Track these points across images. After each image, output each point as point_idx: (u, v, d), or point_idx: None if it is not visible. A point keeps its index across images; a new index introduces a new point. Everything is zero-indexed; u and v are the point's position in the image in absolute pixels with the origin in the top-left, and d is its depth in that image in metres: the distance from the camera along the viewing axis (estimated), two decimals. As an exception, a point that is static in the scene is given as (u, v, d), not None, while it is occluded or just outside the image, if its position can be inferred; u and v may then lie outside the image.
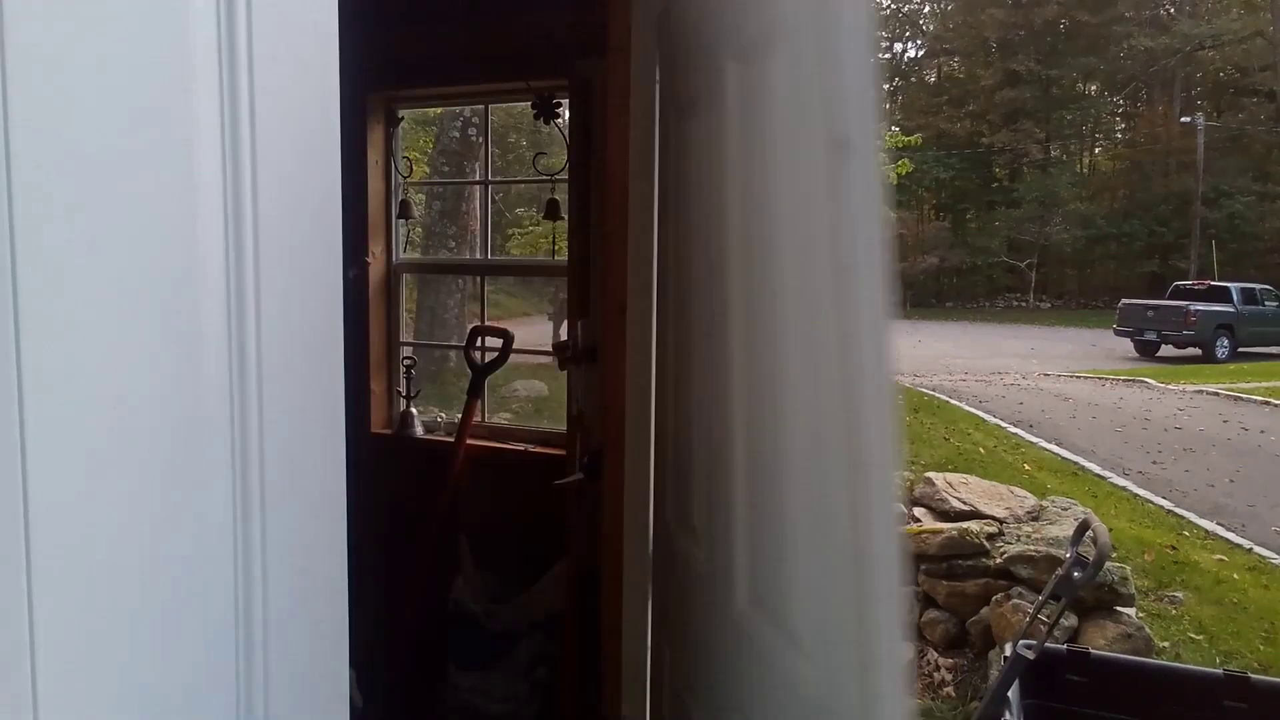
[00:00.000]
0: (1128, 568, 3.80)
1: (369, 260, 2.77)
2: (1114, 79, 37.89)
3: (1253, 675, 2.39)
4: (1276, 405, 10.29)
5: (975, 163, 35.02)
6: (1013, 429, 8.42)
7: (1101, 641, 3.42)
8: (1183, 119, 32.18)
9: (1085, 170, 39.12)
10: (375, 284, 2.82)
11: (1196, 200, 30.35)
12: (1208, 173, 31.20)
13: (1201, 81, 36.96)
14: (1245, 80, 35.45)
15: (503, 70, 2.74)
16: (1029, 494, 4.51)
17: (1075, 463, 7.13)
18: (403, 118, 2.89)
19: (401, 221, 2.91)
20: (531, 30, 2.60)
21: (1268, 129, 34.35)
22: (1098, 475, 6.77)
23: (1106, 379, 13.19)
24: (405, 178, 2.93)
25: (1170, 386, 11.93)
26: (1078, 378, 13.28)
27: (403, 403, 2.83)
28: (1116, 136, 40.17)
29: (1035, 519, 4.24)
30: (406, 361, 2.84)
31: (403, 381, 2.83)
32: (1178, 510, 5.89)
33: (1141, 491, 6.32)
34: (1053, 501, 4.50)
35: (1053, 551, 3.75)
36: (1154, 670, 2.53)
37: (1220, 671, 2.44)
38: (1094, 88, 38.83)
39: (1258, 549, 5.15)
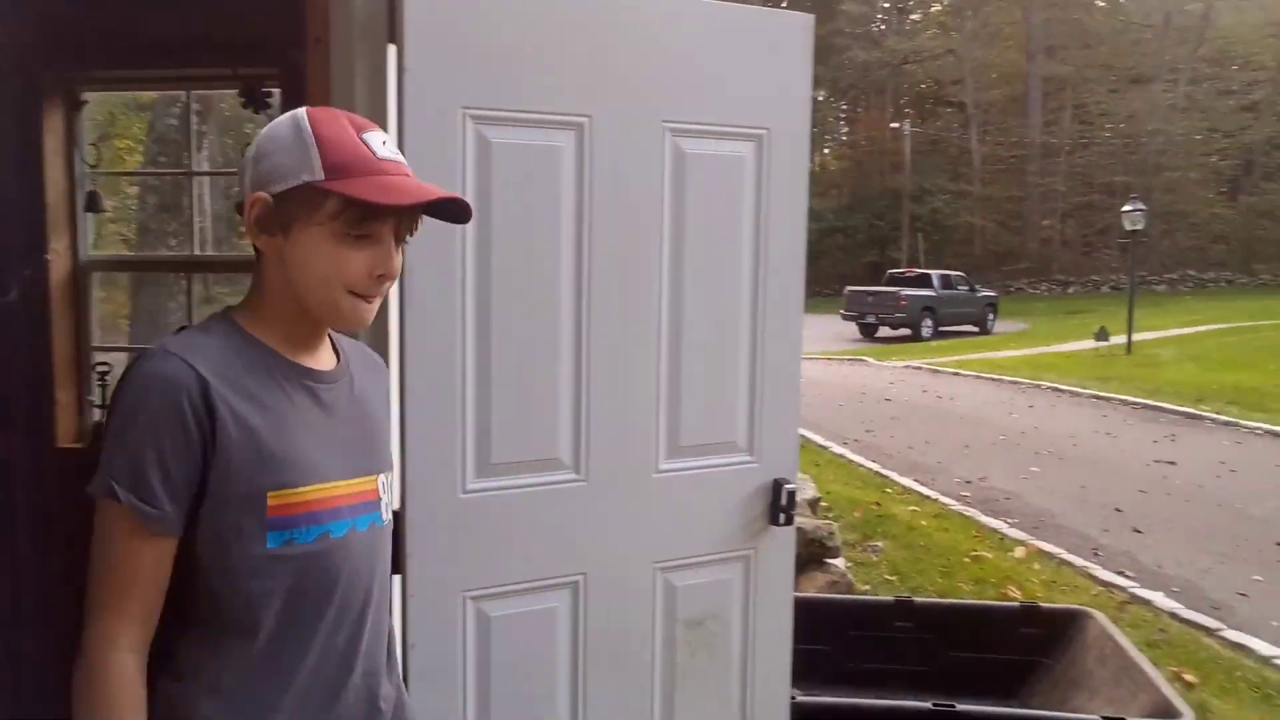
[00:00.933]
0: (835, 525, 4.28)
1: (49, 258, 2.51)
2: (838, 86, 41.71)
3: (915, 599, 2.82)
4: (964, 375, 11.95)
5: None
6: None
7: (812, 589, 3.83)
8: (892, 125, 36.17)
9: (816, 168, 42.83)
10: (59, 284, 2.55)
11: (905, 197, 34.28)
12: (914, 172, 35.34)
13: (908, 92, 41.61)
14: (941, 92, 40.44)
15: (207, 56, 2.59)
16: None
17: (804, 436, 7.85)
18: (87, 101, 2.65)
19: (91, 215, 2.66)
20: (238, 16, 2.48)
21: (959, 135, 39.41)
22: (821, 445, 7.51)
23: (834, 359, 14.61)
24: (93, 167, 2.68)
25: (884, 363, 13.46)
26: (810, 359, 14.57)
27: (97, 413, 2.59)
28: (841, 138, 44.33)
29: (760, 488, 4.64)
30: (101, 368, 2.61)
31: (96, 390, 2.60)
32: (884, 471, 6.69)
33: (856, 457, 7.11)
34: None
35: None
36: (840, 604, 2.91)
37: (891, 598, 2.85)
38: (822, 94, 42.49)
39: (943, 499, 5.98)
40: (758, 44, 1.95)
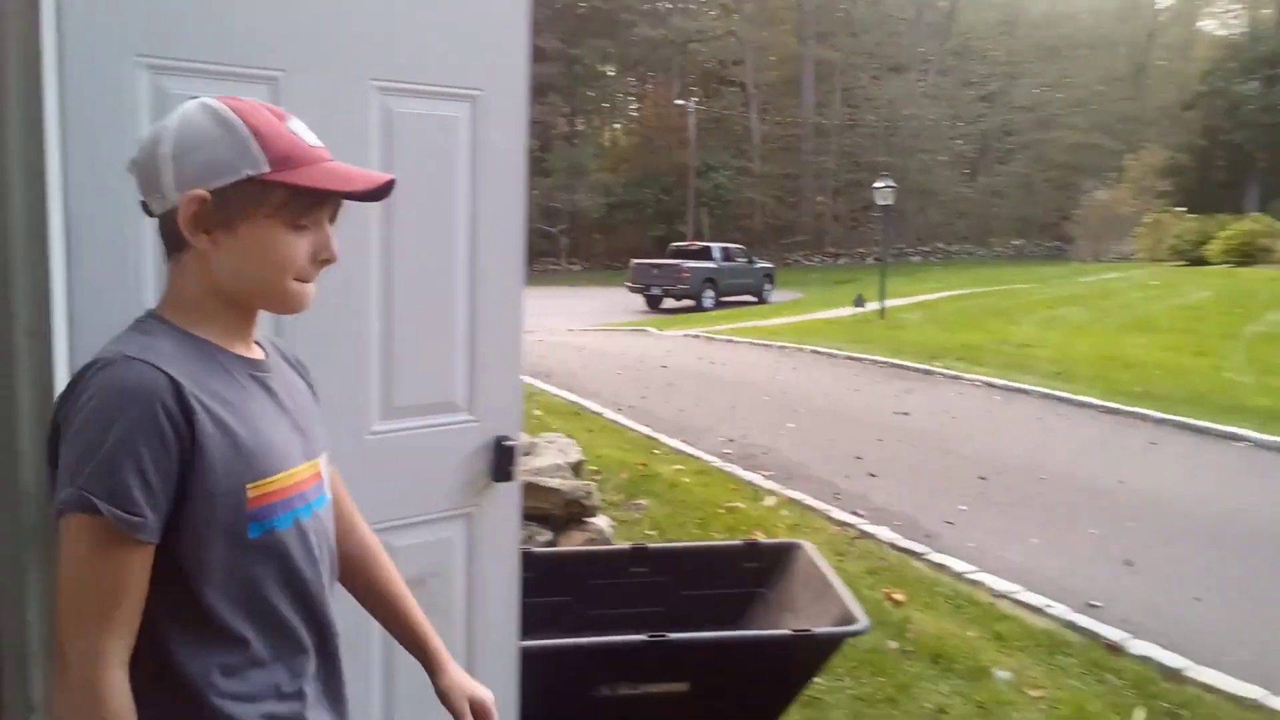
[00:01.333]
0: (593, 485, 4.44)
1: None
2: (626, 62, 42.36)
3: (649, 545, 3.01)
4: (737, 342, 12.68)
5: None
6: (531, 380, 9.22)
7: (572, 547, 3.96)
8: (678, 101, 37.31)
9: (607, 144, 43.40)
10: None
11: (691, 173, 35.54)
12: (700, 149, 36.66)
13: (694, 70, 42.98)
14: (724, 72, 42.15)
15: None
16: (522, 434, 5.00)
17: (580, 404, 8.06)
18: None
19: None
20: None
21: (741, 114, 41.30)
22: (596, 412, 7.74)
23: (618, 330, 15.01)
24: None
25: (665, 333, 14.01)
26: (595, 331, 14.90)
27: None
28: (631, 114, 45.15)
29: (525, 454, 4.73)
30: None
31: None
32: (654, 434, 6.99)
33: (629, 422, 7.38)
34: (544, 438, 5.05)
35: (534, 480, 4.24)
36: (580, 555, 3.04)
37: (627, 546, 3.02)
38: (611, 69, 42.92)
39: (706, 456, 6.35)
40: (471, 1, 1.95)
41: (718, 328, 14.44)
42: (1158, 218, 25.90)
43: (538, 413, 7.44)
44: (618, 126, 45.17)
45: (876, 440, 7.02)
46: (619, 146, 43.87)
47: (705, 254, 21.51)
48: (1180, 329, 11.94)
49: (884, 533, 4.92)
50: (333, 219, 1.06)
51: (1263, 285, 15.79)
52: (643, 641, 2.27)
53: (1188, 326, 12.09)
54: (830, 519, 5.13)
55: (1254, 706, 3.21)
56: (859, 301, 16.60)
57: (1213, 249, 21.08)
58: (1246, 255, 19.99)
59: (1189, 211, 25.15)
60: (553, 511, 4.15)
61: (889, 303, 15.50)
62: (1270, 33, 39.03)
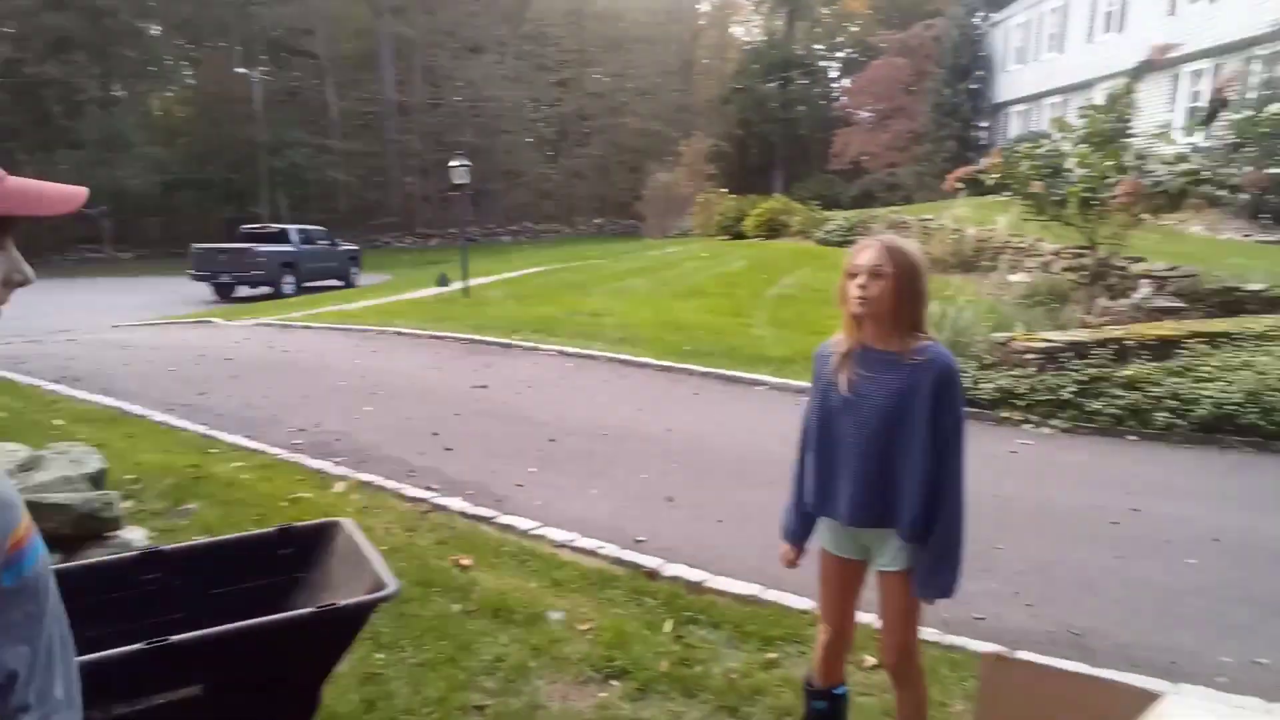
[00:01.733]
0: (116, 495, 3.91)
1: None
2: (172, 20, 37.44)
3: (165, 547, 2.71)
4: (315, 328, 12.02)
5: (22, 95, 30.53)
6: (53, 386, 7.86)
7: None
8: (239, 70, 33.98)
9: (160, 113, 38.24)
10: None
11: (262, 150, 32.73)
12: (271, 124, 33.86)
13: (258, 37, 39.36)
14: (294, 41, 39.23)
15: None
16: (23, 447, 4.23)
17: (120, 408, 7.05)
18: None
19: None
20: None
21: (316, 88, 38.90)
22: (141, 415, 6.83)
23: (177, 323, 13.39)
24: None
25: (234, 323, 12.79)
26: (148, 326, 13.14)
27: None
28: (187, 81, 40.13)
29: (25, 469, 4.01)
30: None
31: None
32: (211, 432, 6.36)
33: (180, 422, 6.63)
34: (52, 449, 4.32)
35: (34, 498, 3.61)
36: (70, 572, 2.64)
37: (135, 553, 2.69)
38: (154, 27, 37.65)
39: (271, 450, 5.93)
40: None
41: (295, 314, 13.53)
42: (707, 197, 29.50)
43: (59, 423, 6.36)
44: (170, 94, 39.92)
45: (454, 415, 7.12)
46: (174, 117, 38.89)
47: (282, 237, 20.02)
48: (721, 294, 13.76)
49: (456, 503, 5.02)
50: (17, 241, 1.02)
51: (782, 255, 18.80)
52: (134, 652, 2.04)
53: (727, 291, 13.98)
54: (403, 496, 5.10)
55: (752, 600, 3.84)
56: (443, 281, 16.68)
57: (748, 224, 24.58)
58: (772, 229, 23.62)
59: (731, 192, 28.99)
60: (61, 530, 3.58)
61: (474, 281, 15.77)
62: (782, 42, 46.38)
